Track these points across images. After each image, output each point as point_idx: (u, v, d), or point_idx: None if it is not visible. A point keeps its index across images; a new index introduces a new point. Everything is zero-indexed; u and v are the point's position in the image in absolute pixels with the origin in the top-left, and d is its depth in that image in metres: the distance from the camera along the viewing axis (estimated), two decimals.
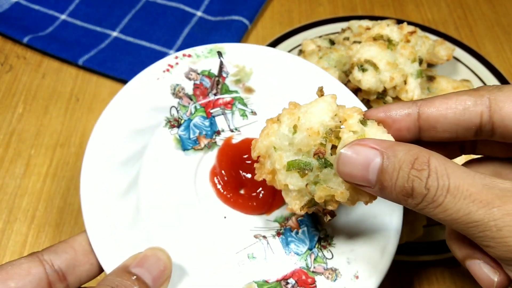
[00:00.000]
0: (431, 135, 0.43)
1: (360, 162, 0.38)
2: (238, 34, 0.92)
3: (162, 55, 0.89)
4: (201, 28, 0.94)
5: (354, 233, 0.51)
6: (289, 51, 0.86)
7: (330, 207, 0.43)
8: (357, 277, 0.48)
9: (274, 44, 0.86)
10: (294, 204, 0.44)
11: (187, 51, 0.57)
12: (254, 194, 0.54)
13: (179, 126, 0.56)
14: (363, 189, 0.40)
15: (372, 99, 0.66)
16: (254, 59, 0.58)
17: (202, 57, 0.58)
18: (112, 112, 0.52)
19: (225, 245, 0.51)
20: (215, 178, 0.54)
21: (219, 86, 0.57)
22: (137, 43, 0.91)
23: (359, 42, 0.66)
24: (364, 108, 0.54)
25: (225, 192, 0.54)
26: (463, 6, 1.04)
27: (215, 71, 0.57)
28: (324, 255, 0.50)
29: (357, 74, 0.63)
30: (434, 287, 0.65)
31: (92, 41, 0.90)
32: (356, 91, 0.68)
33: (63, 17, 0.94)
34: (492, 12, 1.03)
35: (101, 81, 0.86)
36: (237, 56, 0.58)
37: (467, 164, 0.47)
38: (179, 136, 0.55)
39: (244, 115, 0.58)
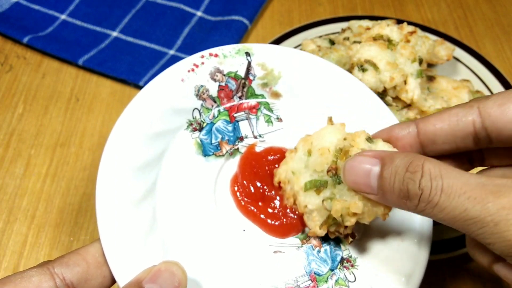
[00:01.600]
0: (433, 149, 0.46)
1: (362, 170, 0.41)
2: (238, 34, 0.92)
3: (162, 55, 0.89)
4: (201, 28, 0.94)
5: (379, 256, 0.48)
6: None
7: (348, 223, 0.43)
8: None
9: (274, 44, 0.86)
10: (314, 226, 0.46)
11: (213, 50, 0.54)
12: (277, 212, 0.51)
13: (201, 129, 0.52)
14: (369, 196, 0.42)
15: None
16: (284, 62, 0.55)
17: (229, 57, 0.54)
18: (132, 114, 0.49)
19: (243, 259, 0.48)
20: (235, 187, 0.51)
21: (245, 89, 0.54)
22: (137, 43, 0.91)
23: (359, 42, 0.66)
24: (396, 121, 0.55)
25: (246, 204, 0.50)
26: (463, 6, 1.04)
27: (241, 73, 0.54)
28: (346, 277, 0.48)
29: (357, 74, 0.63)
30: (434, 287, 0.65)
31: (92, 41, 0.90)
32: None
33: (63, 17, 0.94)
34: (492, 12, 1.03)
35: (101, 81, 0.86)
36: (266, 58, 0.55)
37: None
38: (201, 141, 0.52)
39: (269, 121, 0.55)
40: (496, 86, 0.82)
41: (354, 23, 0.81)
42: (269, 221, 0.50)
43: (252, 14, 0.95)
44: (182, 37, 0.92)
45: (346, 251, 0.49)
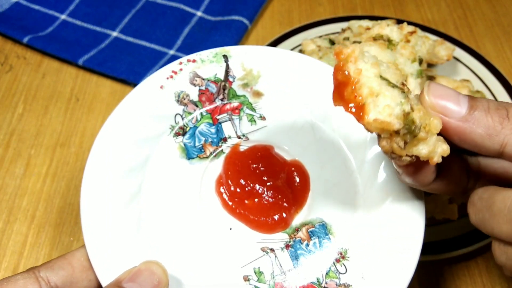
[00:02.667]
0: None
1: (449, 89, 0.39)
2: (238, 34, 0.92)
3: (162, 55, 0.89)
4: (201, 28, 0.94)
5: (370, 247, 0.48)
6: None
7: (421, 134, 0.37)
8: None
9: (274, 44, 0.86)
10: (386, 112, 0.36)
11: (191, 56, 0.55)
12: (263, 207, 0.51)
13: (184, 134, 0.53)
14: (449, 119, 0.38)
15: None
16: (262, 61, 0.56)
17: (207, 62, 0.55)
18: (115, 122, 0.51)
19: (230, 258, 0.48)
20: (221, 187, 0.52)
21: (226, 91, 0.55)
22: (137, 43, 0.91)
23: (359, 42, 0.66)
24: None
25: (231, 203, 0.51)
26: (463, 6, 1.04)
27: (221, 75, 0.55)
28: (337, 270, 0.47)
29: None
30: (434, 287, 0.65)
31: (92, 41, 0.90)
32: None
33: (63, 17, 0.94)
34: (492, 12, 1.03)
35: (101, 81, 0.86)
36: (244, 58, 0.56)
37: None
38: (184, 145, 0.53)
39: (252, 120, 0.55)
40: (496, 86, 0.82)
41: (354, 23, 0.80)
42: (255, 217, 0.50)
43: (252, 14, 0.95)
44: (182, 37, 0.92)
45: (337, 243, 0.49)
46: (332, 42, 0.82)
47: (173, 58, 0.88)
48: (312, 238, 0.49)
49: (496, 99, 0.80)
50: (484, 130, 0.37)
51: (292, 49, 0.86)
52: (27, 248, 0.66)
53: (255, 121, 0.55)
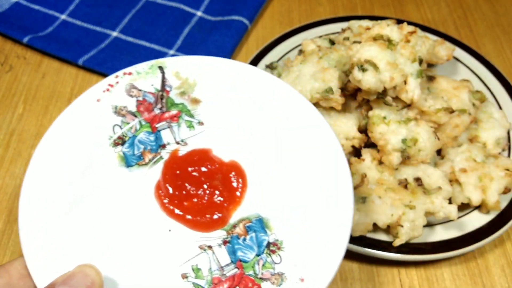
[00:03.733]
0: None
1: None
2: (238, 34, 0.92)
3: (162, 55, 0.89)
4: (201, 28, 0.94)
5: (303, 236, 0.50)
6: (289, 51, 0.86)
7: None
8: (302, 280, 0.47)
9: (274, 44, 0.86)
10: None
11: (127, 69, 0.58)
12: (201, 207, 0.53)
13: (123, 143, 0.55)
14: None
15: (372, 99, 0.66)
16: (197, 70, 0.58)
17: (143, 74, 0.58)
18: (53, 136, 0.53)
19: (169, 257, 0.50)
20: (160, 191, 0.53)
21: (164, 101, 0.57)
22: (137, 43, 0.91)
23: (359, 42, 0.66)
24: (315, 110, 0.55)
25: (170, 206, 0.53)
26: (463, 6, 1.04)
27: (158, 86, 0.58)
28: (273, 260, 0.49)
29: (357, 74, 0.63)
30: (434, 287, 0.65)
31: (92, 41, 0.90)
32: (356, 91, 0.68)
33: (63, 17, 0.94)
34: (492, 12, 1.03)
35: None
36: (179, 68, 0.58)
37: None
38: (123, 153, 0.55)
39: (191, 126, 0.57)
40: (496, 86, 0.82)
41: (354, 23, 0.81)
42: (193, 217, 0.52)
43: (252, 14, 0.95)
44: (182, 37, 0.92)
45: (273, 235, 0.51)
46: (332, 42, 0.82)
47: None
48: (249, 233, 0.51)
49: (496, 99, 0.81)
50: None
51: (292, 49, 0.86)
52: None
53: (193, 126, 0.57)
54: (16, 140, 0.78)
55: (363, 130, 0.70)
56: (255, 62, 0.83)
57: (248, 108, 0.57)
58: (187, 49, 0.90)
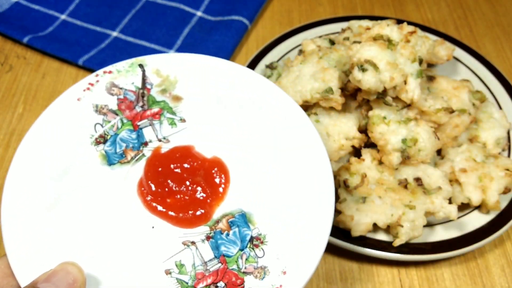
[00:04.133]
0: None
1: None
2: (238, 34, 0.92)
3: None
4: (201, 28, 0.94)
5: (286, 230, 0.51)
6: (289, 51, 0.86)
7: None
8: (284, 273, 0.48)
9: (274, 44, 0.86)
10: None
11: (107, 68, 0.58)
12: (184, 204, 0.53)
13: (105, 142, 0.55)
14: None
15: (372, 99, 0.66)
16: (177, 67, 0.58)
17: (123, 72, 0.58)
18: (34, 136, 0.53)
19: (152, 254, 0.50)
20: (142, 189, 0.54)
21: (145, 98, 0.57)
22: (137, 43, 0.91)
23: (359, 42, 0.66)
24: (297, 107, 0.55)
25: (152, 203, 0.53)
26: (463, 6, 1.04)
27: (138, 84, 0.58)
28: (256, 254, 0.50)
29: (357, 74, 0.63)
30: (434, 287, 0.65)
31: (92, 41, 0.90)
32: (356, 91, 0.68)
33: (63, 17, 0.94)
34: (492, 12, 1.03)
35: None
36: (159, 65, 0.58)
37: None
38: (105, 152, 0.55)
39: (173, 123, 0.57)
40: (496, 86, 0.82)
41: (354, 23, 0.81)
42: (176, 214, 0.52)
43: (252, 14, 0.95)
44: (182, 37, 0.92)
45: (256, 229, 0.51)
46: (332, 42, 0.82)
47: None
48: (232, 228, 0.52)
49: (496, 99, 0.81)
50: None
51: (292, 49, 0.86)
52: None
53: (175, 123, 0.57)
54: (16, 140, 0.78)
55: (363, 130, 0.70)
56: (255, 62, 0.83)
57: (229, 104, 0.57)
58: (187, 49, 0.90)
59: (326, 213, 0.50)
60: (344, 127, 0.68)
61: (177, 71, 0.58)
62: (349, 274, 0.66)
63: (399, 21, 0.71)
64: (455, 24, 1.00)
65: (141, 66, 0.58)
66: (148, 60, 0.58)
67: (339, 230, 0.64)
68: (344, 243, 0.63)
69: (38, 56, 0.90)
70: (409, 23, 0.71)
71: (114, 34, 0.92)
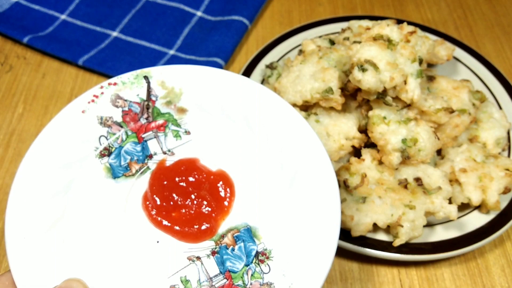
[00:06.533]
0: None
1: None
2: (238, 34, 0.92)
3: (162, 55, 0.89)
4: (201, 28, 0.94)
5: (292, 245, 0.50)
6: (289, 51, 0.86)
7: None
8: None
9: (274, 44, 0.86)
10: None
11: (112, 79, 0.57)
12: (189, 218, 0.53)
13: (109, 154, 0.55)
14: None
15: (372, 99, 0.66)
16: (182, 79, 0.58)
17: (128, 84, 0.57)
18: (38, 149, 0.52)
19: (157, 269, 0.50)
20: (147, 203, 0.53)
21: (150, 110, 0.57)
22: (137, 43, 0.91)
23: (359, 42, 0.66)
24: (303, 121, 0.54)
25: (157, 217, 0.52)
26: (463, 6, 1.04)
27: (143, 95, 0.57)
28: (261, 270, 0.49)
29: (357, 74, 0.63)
30: (434, 287, 0.65)
31: (92, 41, 0.90)
32: (356, 91, 0.68)
33: (63, 17, 0.94)
34: (492, 12, 1.03)
35: (101, 81, 0.86)
36: (165, 77, 0.58)
37: None
38: (110, 165, 0.55)
39: (177, 135, 0.57)
40: (496, 86, 0.82)
41: (354, 23, 0.81)
42: (182, 228, 0.51)
43: (252, 14, 0.95)
44: (182, 37, 0.92)
45: (261, 244, 0.50)
46: (332, 42, 0.82)
47: (173, 58, 0.88)
48: (237, 243, 0.51)
49: (496, 99, 0.81)
50: None
51: (292, 49, 0.86)
52: None
53: (180, 136, 0.57)
54: (16, 140, 0.78)
55: (363, 130, 0.70)
56: (255, 62, 0.83)
57: (234, 116, 0.57)
58: (187, 49, 0.90)
59: (331, 228, 0.49)
60: (344, 127, 0.68)
61: (182, 83, 0.58)
62: (349, 274, 0.66)
63: (399, 21, 0.71)
64: (455, 24, 1.00)
65: (146, 77, 0.57)
66: (153, 71, 0.58)
67: (339, 230, 0.64)
68: (344, 243, 0.63)
69: (38, 56, 0.90)
70: (409, 23, 0.71)
71: (114, 34, 0.92)
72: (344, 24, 0.88)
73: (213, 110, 0.57)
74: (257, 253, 0.50)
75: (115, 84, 0.57)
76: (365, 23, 0.79)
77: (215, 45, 0.90)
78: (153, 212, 0.52)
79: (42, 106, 0.82)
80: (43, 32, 0.91)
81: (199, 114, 0.58)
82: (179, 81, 0.58)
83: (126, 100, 0.57)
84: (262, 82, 0.81)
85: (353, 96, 0.70)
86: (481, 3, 1.05)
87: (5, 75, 0.87)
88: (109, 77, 0.86)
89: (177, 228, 0.52)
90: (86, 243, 0.50)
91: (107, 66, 0.86)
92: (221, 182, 0.54)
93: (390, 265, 0.66)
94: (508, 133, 0.76)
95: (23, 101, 0.83)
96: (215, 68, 0.58)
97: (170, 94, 0.58)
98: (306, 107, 0.72)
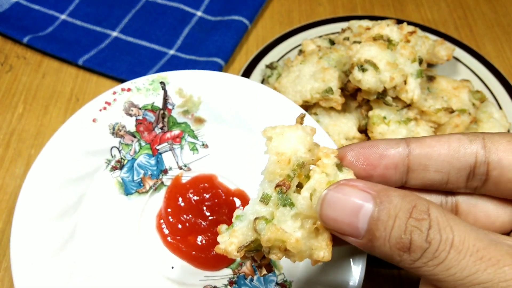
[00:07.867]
0: (420, 177, 0.38)
1: (349, 206, 0.32)
2: (238, 34, 0.92)
3: (162, 55, 0.89)
4: (201, 28, 0.94)
5: (314, 279, 0.46)
6: (289, 51, 0.86)
7: (273, 256, 0.34)
8: None
9: (274, 44, 0.86)
10: (229, 244, 0.35)
11: (126, 84, 0.52)
12: (206, 243, 0.48)
13: (122, 167, 0.50)
14: (346, 239, 0.33)
15: (372, 99, 0.66)
16: (202, 87, 0.53)
17: (143, 90, 0.52)
18: (44, 162, 0.48)
19: None
20: (162, 224, 0.49)
21: (166, 120, 0.53)
22: (137, 43, 0.91)
23: (359, 42, 0.66)
24: (334, 146, 0.47)
25: (172, 240, 0.48)
26: (463, 6, 1.04)
27: (159, 103, 0.52)
28: None
29: (357, 74, 0.63)
30: None
31: (92, 41, 0.90)
32: (356, 91, 0.68)
33: (63, 17, 0.94)
34: (492, 12, 1.03)
35: (101, 81, 0.86)
36: (182, 85, 0.53)
37: None
38: (122, 179, 0.50)
39: (194, 148, 0.53)
40: (496, 86, 0.82)
41: (354, 23, 0.81)
42: (198, 254, 0.48)
43: (252, 14, 0.95)
44: (182, 37, 0.92)
45: (281, 275, 0.47)
46: (332, 42, 0.82)
47: (173, 58, 0.88)
48: (256, 273, 0.47)
49: (496, 99, 0.81)
50: (384, 256, 0.33)
51: (292, 49, 0.86)
52: None
53: (197, 149, 0.53)
54: (16, 140, 0.78)
55: (363, 130, 0.70)
56: (255, 62, 0.83)
57: (254, 128, 0.52)
58: (187, 49, 0.90)
59: (358, 265, 0.45)
60: (344, 127, 0.69)
61: (201, 91, 0.53)
62: None
63: (399, 21, 0.71)
64: (455, 24, 1.00)
65: (162, 83, 0.52)
66: (170, 77, 0.53)
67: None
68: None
69: (38, 56, 0.90)
70: (409, 23, 0.71)
71: (114, 34, 0.92)
72: (344, 24, 0.88)
73: (232, 120, 0.53)
74: (277, 284, 0.47)
75: (128, 90, 0.52)
76: (365, 23, 0.79)
77: (215, 45, 0.90)
78: (168, 234, 0.49)
79: (42, 106, 0.82)
80: (43, 32, 0.91)
81: (217, 125, 0.53)
82: (197, 89, 0.53)
83: (140, 108, 0.52)
84: (262, 82, 0.81)
85: (353, 96, 0.70)
86: (481, 3, 1.05)
87: (5, 75, 0.87)
88: (110, 77, 0.86)
89: (193, 253, 0.48)
90: (97, 267, 0.46)
91: (107, 66, 0.86)
92: (240, 204, 0.50)
93: (390, 265, 0.66)
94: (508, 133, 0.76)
95: (23, 101, 0.83)
96: (233, 75, 0.54)
97: (188, 103, 0.53)
98: (306, 107, 0.72)
